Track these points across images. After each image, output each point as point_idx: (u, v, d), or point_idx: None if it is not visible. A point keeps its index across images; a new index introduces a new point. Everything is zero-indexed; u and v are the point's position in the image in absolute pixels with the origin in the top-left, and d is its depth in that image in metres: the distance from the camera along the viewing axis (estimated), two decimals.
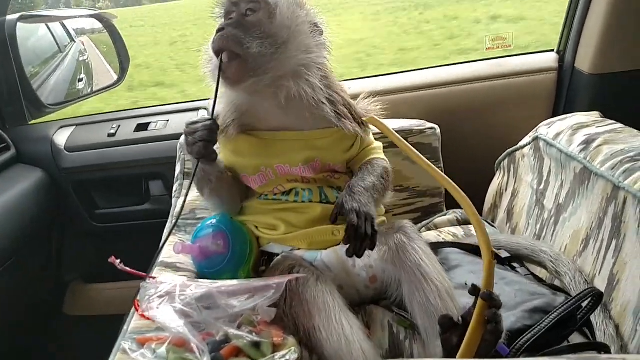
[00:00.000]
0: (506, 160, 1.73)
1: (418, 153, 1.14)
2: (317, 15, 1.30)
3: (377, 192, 1.27)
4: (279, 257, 1.29)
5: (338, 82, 1.37)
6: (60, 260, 2.22)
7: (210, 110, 1.22)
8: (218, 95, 1.22)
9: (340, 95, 1.33)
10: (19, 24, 2.07)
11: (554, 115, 1.83)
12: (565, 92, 1.96)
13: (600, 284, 1.17)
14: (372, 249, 1.14)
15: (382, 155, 1.41)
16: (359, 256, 1.13)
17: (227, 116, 1.32)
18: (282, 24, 1.23)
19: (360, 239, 1.12)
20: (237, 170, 1.36)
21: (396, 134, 1.24)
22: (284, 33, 1.22)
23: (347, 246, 1.12)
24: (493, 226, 1.69)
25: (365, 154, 1.38)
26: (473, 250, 1.39)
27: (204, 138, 1.19)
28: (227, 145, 1.34)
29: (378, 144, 1.45)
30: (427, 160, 1.14)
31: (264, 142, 1.30)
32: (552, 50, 2.03)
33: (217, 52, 1.20)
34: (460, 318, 0.98)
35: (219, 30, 1.20)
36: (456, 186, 1.09)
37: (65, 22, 2.81)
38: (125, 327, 1.13)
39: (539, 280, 1.31)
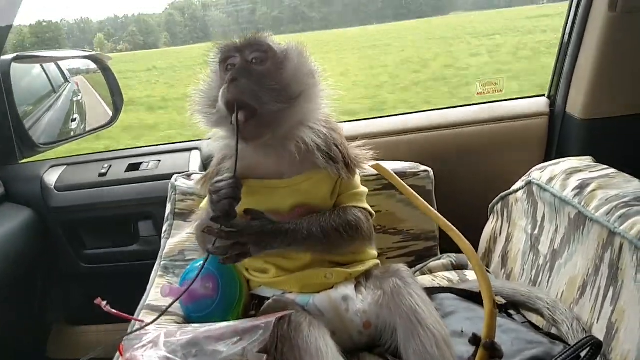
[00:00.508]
0: (499, 205, 1.72)
1: (425, 202, 1.15)
2: (315, 64, 1.31)
3: (317, 237, 1.24)
4: (269, 300, 1.26)
5: (336, 124, 1.38)
6: (45, 301, 2.16)
7: (232, 168, 1.20)
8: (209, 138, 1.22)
9: (335, 137, 1.33)
10: (13, 64, 2.07)
11: (546, 160, 1.84)
12: (557, 136, 1.98)
13: (599, 333, 1.14)
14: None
15: (362, 204, 1.38)
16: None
17: (219, 164, 1.32)
18: (292, 76, 1.24)
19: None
20: None
21: (401, 182, 1.25)
22: (295, 86, 1.23)
23: None
24: (488, 271, 1.67)
25: (343, 200, 1.36)
26: (469, 296, 1.36)
27: (229, 196, 1.17)
28: None
29: (363, 190, 1.42)
30: (434, 210, 1.13)
31: (252, 189, 1.28)
32: (543, 95, 2.06)
33: (230, 104, 1.18)
34: None
35: (232, 80, 1.17)
36: (461, 235, 1.09)
37: (60, 62, 2.83)
38: None
39: (536, 328, 1.28)
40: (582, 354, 1.06)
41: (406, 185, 1.27)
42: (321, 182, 1.31)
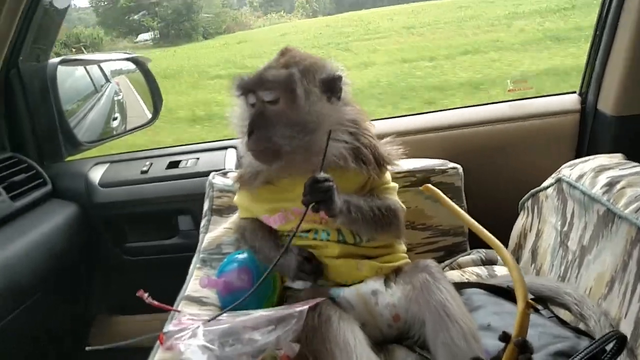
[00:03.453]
0: (530, 201, 1.73)
1: (472, 219, 1.21)
2: (331, 64, 1.35)
3: (362, 214, 1.30)
4: (301, 292, 1.31)
5: (365, 123, 1.41)
6: (89, 291, 2.27)
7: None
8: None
9: (366, 138, 1.37)
10: (59, 67, 2.18)
11: (576, 157, 1.83)
12: (588, 133, 1.96)
13: (627, 328, 1.15)
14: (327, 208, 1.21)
15: (394, 196, 1.43)
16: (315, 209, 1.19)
17: (251, 171, 1.38)
18: (306, 109, 1.28)
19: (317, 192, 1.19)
20: (256, 214, 1.42)
21: (449, 201, 1.30)
22: (311, 118, 1.28)
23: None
24: None
25: (376, 193, 1.40)
26: (497, 291, 1.38)
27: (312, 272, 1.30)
28: (248, 195, 1.41)
29: (393, 185, 1.47)
30: (481, 227, 1.21)
31: (282, 188, 1.35)
32: (575, 92, 2.04)
33: (255, 154, 1.30)
34: None
35: (249, 134, 1.27)
36: (497, 241, 1.14)
37: (102, 64, 2.94)
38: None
39: (563, 323, 1.29)
40: (608, 348, 1.08)
41: (451, 202, 1.33)
42: (351, 179, 1.35)
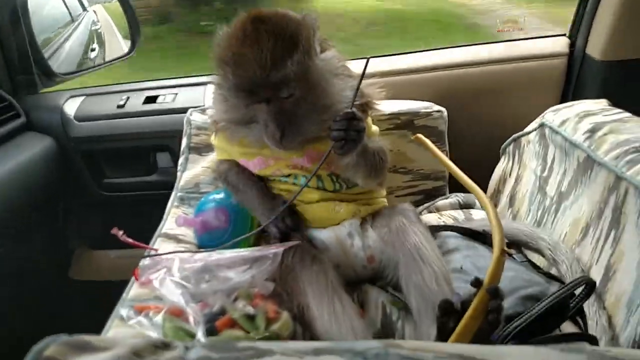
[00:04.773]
0: (511, 146, 1.72)
1: (458, 169, 1.22)
2: (302, 15, 1.22)
3: (365, 158, 1.26)
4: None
5: (349, 69, 1.33)
6: (67, 226, 2.26)
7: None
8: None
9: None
10: None
11: (562, 102, 1.81)
12: (575, 78, 1.93)
13: (597, 274, 1.17)
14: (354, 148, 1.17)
15: (377, 140, 1.39)
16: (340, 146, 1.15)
17: (227, 119, 1.30)
18: (321, 86, 1.20)
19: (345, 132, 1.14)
20: (234, 156, 1.37)
21: (439, 153, 1.27)
22: (326, 91, 1.21)
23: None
24: None
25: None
26: (471, 234, 1.39)
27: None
28: (225, 137, 1.35)
29: (375, 129, 1.44)
30: (466, 177, 1.19)
31: None
32: (564, 35, 2.00)
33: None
34: (459, 304, 0.99)
35: (280, 139, 1.17)
36: (482, 192, 1.14)
37: None
38: (124, 295, 1.16)
39: (535, 267, 1.31)
40: (577, 293, 1.10)
41: (441, 154, 1.31)
42: None
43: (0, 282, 1.76)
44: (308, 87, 1.17)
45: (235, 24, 1.19)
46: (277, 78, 1.13)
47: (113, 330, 1.05)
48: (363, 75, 1.16)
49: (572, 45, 1.96)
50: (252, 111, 1.19)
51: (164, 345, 0.64)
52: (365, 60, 1.14)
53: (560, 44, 1.98)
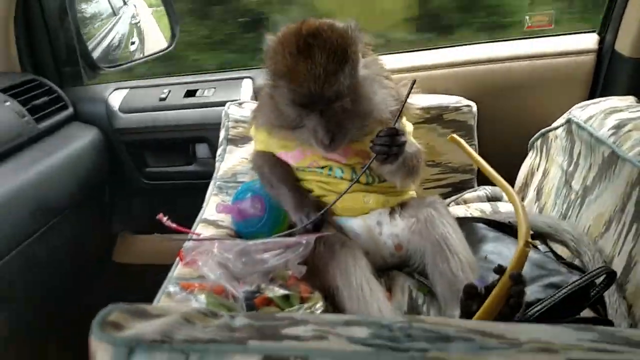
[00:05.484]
0: (539, 141, 1.75)
1: (489, 167, 1.24)
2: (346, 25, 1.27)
3: (404, 164, 1.31)
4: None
5: (387, 71, 1.40)
6: (112, 212, 2.38)
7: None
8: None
9: (391, 88, 1.37)
10: None
11: (590, 98, 1.82)
12: (603, 74, 1.94)
13: (619, 265, 1.21)
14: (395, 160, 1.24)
15: (413, 140, 1.45)
16: (382, 159, 1.22)
17: (276, 124, 1.35)
18: (368, 96, 1.27)
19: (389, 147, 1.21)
20: (272, 149, 1.43)
21: (474, 153, 1.32)
22: (370, 100, 1.27)
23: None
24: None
25: None
26: (498, 226, 1.44)
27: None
28: (265, 129, 1.42)
29: (409, 128, 1.48)
30: (501, 179, 1.21)
31: None
32: (594, 31, 2.00)
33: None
34: (483, 289, 1.04)
35: (329, 145, 1.23)
36: (510, 187, 1.17)
37: None
38: (170, 274, 1.25)
39: (558, 258, 1.36)
40: (598, 282, 1.14)
41: (475, 154, 1.34)
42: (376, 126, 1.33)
43: (51, 261, 1.87)
44: (355, 97, 1.23)
45: (286, 35, 1.25)
46: (330, 93, 1.18)
47: (162, 304, 1.14)
48: (408, 95, 1.23)
49: (601, 41, 1.96)
50: (301, 118, 1.25)
51: (212, 314, 0.72)
52: (411, 82, 1.22)
53: (590, 41, 1.98)
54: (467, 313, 1.03)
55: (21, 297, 1.74)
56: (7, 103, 1.89)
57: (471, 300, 1.04)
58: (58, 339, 2.05)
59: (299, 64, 1.18)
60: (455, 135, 1.37)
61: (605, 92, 1.91)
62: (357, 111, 1.25)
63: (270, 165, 1.44)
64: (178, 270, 1.25)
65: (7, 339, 1.66)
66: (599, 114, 1.44)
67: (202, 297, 1.09)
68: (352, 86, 1.22)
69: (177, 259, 1.28)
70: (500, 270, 1.02)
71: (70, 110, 2.19)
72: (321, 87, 1.17)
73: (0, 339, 1.62)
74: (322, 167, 1.38)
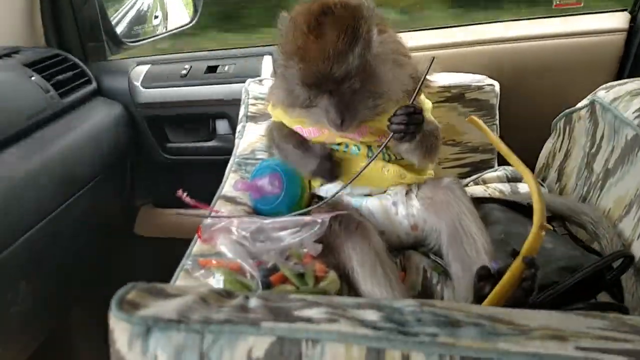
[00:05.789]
0: (562, 121, 1.72)
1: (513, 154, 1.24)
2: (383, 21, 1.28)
3: (421, 142, 1.30)
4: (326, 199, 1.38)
5: (405, 48, 1.37)
6: (134, 185, 2.42)
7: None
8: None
9: (409, 65, 1.34)
10: None
11: (618, 79, 1.77)
12: (633, 55, 1.88)
13: (638, 249, 1.20)
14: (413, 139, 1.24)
15: (431, 117, 1.43)
16: (399, 137, 1.22)
17: (287, 103, 1.34)
18: (380, 76, 1.24)
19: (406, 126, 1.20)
20: (289, 123, 1.42)
21: (493, 135, 1.30)
22: (383, 79, 1.24)
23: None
24: (543, 185, 1.72)
25: None
26: (516, 207, 1.43)
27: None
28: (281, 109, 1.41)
29: (428, 105, 1.46)
30: (521, 162, 1.22)
31: None
32: (626, 10, 1.94)
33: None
34: (496, 272, 1.05)
35: (340, 124, 1.22)
36: (527, 169, 1.17)
37: None
38: (188, 251, 1.27)
39: (576, 240, 1.35)
40: (615, 266, 1.14)
41: (495, 136, 1.32)
42: (394, 105, 1.31)
43: (75, 233, 1.92)
44: (367, 77, 1.21)
45: (298, 13, 1.22)
46: (339, 73, 1.16)
47: (180, 281, 1.17)
48: (427, 73, 1.20)
49: (632, 20, 1.90)
50: (312, 98, 1.24)
51: (227, 294, 0.74)
52: (430, 59, 1.19)
53: (621, 19, 1.92)
54: (480, 296, 1.04)
55: (48, 268, 1.79)
56: (33, 78, 1.92)
57: (484, 282, 1.05)
58: (83, 308, 2.12)
59: (309, 43, 1.16)
60: (474, 117, 1.35)
61: (635, 73, 1.86)
62: (370, 91, 1.23)
63: (286, 134, 1.44)
64: (196, 246, 1.28)
65: (33, 309, 1.71)
66: (625, 95, 1.40)
67: (219, 274, 1.11)
68: (364, 65, 1.19)
69: (196, 235, 1.30)
70: (514, 253, 1.03)
71: (94, 85, 2.23)
72: (330, 67, 1.15)
73: (28, 309, 1.68)
74: (338, 144, 1.38)
